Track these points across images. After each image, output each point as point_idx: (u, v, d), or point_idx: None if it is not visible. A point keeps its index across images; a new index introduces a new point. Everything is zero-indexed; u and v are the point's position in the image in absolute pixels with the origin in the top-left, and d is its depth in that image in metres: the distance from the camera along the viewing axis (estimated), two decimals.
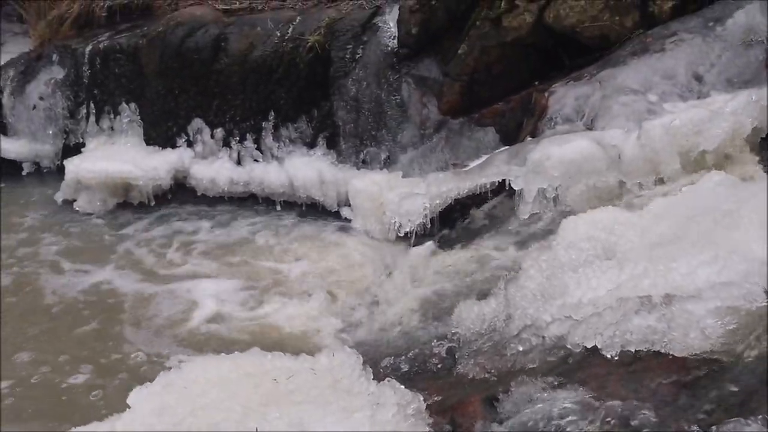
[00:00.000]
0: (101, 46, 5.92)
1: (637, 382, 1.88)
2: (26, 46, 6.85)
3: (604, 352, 2.08)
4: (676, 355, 1.93)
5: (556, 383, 1.98)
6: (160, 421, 2.03)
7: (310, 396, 2.09)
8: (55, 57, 6.12)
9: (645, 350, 2.01)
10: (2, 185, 5.85)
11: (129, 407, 2.10)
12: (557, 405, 1.87)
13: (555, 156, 3.49)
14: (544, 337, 2.32)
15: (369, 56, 4.94)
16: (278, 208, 5.09)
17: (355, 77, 4.94)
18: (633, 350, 2.03)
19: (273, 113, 5.19)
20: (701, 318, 1.94)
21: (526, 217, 3.60)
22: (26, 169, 6.09)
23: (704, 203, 2.65)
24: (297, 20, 5.33)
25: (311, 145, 5.12)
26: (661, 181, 3.23)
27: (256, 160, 5.28)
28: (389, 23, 5.00)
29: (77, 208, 5.25)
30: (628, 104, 3.58)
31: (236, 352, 2.34)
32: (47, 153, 6.04)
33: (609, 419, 1.75)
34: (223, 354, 2.34)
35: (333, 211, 4.88)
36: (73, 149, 5.89)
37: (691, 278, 2.15)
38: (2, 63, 6.46)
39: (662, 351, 1.98)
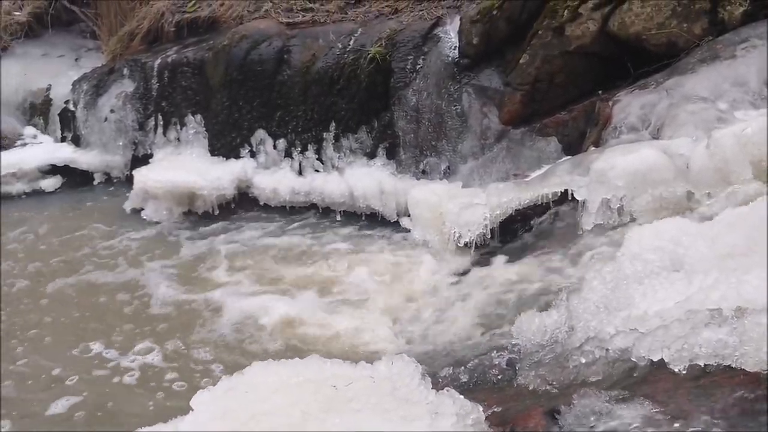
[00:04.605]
0: (169, 59, 6.11)
1: (707, 397, 1.81)
2: (99, 61, 7.13)
3: (671, 366, 2.02)
4: (748, 370, 1.86)
5: (620, 397, 1.93)
6: (222, 424, 2.05)
7: (368, 403, 2.08)
8: (125, 71, 6.34)
9: (715, 365, 1.94)
10: (74, 194, 6.11)
11: (192, 410, 2.14)
12: (622, 419, 1.82)
13: (619, 166, 3.42)
14: (607, 350, 2.26)
15: (429, 67, 4.95)
16: (338, 218, 5.13)
17: (416, 88, 4.96)
18: (702, 364, 1.96)
19: (334, 124, 5.25)
20: None
21: (590, 228, 3.52)
22: (97, 179, 6.33)
23: None
24: (358, 32, 5.39)
25: (371, 155, 5.15)
26: (731, 191, 3.11)
27: (317, 171, 5.36)
28: (450, 34, 5.02)
29: (144, 217, 5.41)
30: (697, 112, 3.48)
31: (296, 359, 2.35)
32: (117, 164, 6.27)
33: None
34: (283, 360, 2.36)
35: (392, 221, 4.90)
36: (141, 160, 6.09)
37: (764, 291, 2.07)
38: (77, 77, 6.73)
39: (733, 366, 1.90)
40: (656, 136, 3.61)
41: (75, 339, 3.71)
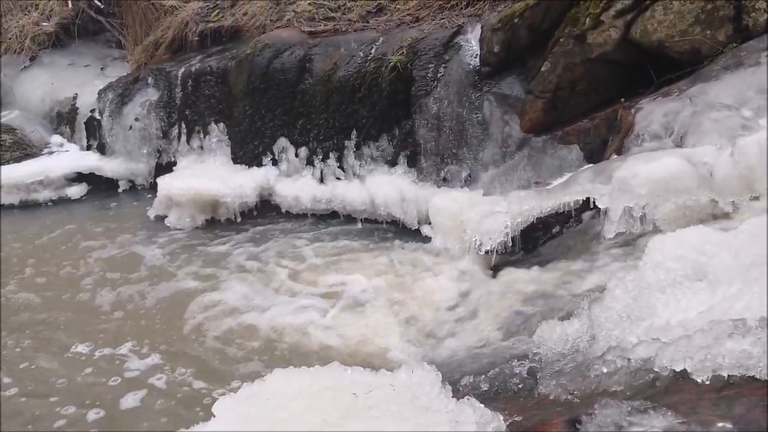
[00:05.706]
0: (193, 68, 6.19)
1: (730, 408, 1.79)
2: (124, 70, 7.24)
3: (694, 376, 2.00)
4: None
5: (642, 407, 1.91)
6: (243, 430, 2.07)
7: (388, 411, 2.09)
8: (150, 80, 6.43)
9: (738, 375, 1.92)
10: (99, 201, 6.20)
11: (214, 416, 2.16)
12: (644, 429, 1.81)
13: (642, 174, 3.39)
14: (629, 359, 2.24)
15: (451, 75, 4.96)
16: (359, 225, 5.16)
17: (437, 96, 4.97)
18: (725, 375, 1.94)
19: (355, 132, 5.28)
20: None
21: (612, 236, 3.50)
22: (122, 186, 6.43)
23: None
24: (380, 41, 5.42)
25: (392, 163, 5.17)
26: (756, 199, 3.08)
27: (338, 178, 5.39)
28: (471, 42, 5.02)
29: (168, 224, 5.47)
30: (721, 120, 3.44)
31: (316, 366, 2.36)
32: (141, 171, 6.36)
33: None
34: (303, 367, 2.37)
35: (413, 229, 4.90)
36: (165, 168, 6.17)
37: None
38: (102, 86, 6.84)
39: (757, 377, 1.88)
40: (679, 144, 3.57)
41: (94, 341, 3.78)
